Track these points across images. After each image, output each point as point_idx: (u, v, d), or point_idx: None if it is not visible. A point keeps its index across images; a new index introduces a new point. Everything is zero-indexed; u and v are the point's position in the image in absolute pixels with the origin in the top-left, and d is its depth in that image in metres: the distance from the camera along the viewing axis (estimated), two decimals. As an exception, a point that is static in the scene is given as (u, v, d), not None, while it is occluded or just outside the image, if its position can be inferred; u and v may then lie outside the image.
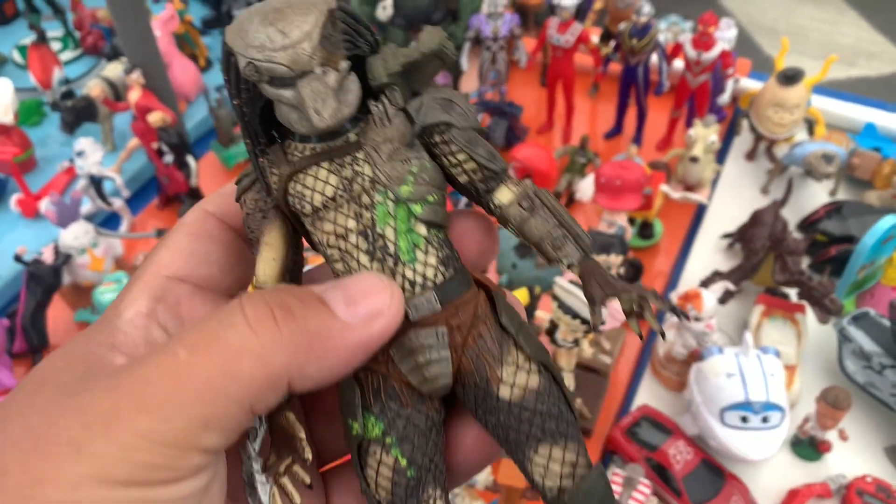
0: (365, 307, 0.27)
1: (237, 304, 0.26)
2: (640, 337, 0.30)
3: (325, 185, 0.29)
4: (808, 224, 1.44)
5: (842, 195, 1.52)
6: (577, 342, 1.12)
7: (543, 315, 1.16)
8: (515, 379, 0.30)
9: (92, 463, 0.23)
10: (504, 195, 0.31)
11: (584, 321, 1.07)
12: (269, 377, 0.25)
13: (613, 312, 1.21)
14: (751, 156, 1.62)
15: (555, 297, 1.09)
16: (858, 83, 3.24)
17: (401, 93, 0.30)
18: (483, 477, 1.00)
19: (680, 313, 1.08)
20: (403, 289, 0.30)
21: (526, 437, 0.30)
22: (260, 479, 0.29)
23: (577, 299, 1.06)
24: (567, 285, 1.07)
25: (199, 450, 0.24)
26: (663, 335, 0.30)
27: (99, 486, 0.23)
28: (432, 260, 0.30)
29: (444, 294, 0.30)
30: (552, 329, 1.15)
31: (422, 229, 0.30)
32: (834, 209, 1.42)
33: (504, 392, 0.30)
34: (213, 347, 0.25)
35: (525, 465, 0.30)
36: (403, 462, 0.30)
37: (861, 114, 1.65)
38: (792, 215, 1.43)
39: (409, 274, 0.30)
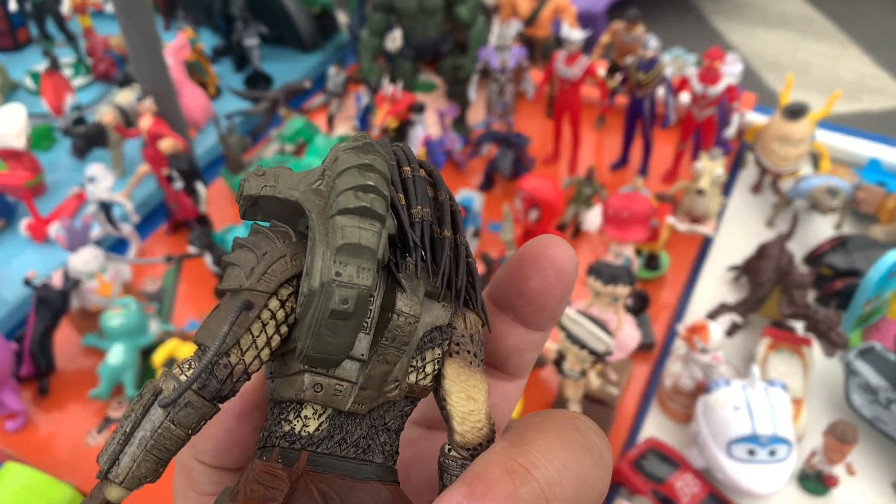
0: None
1: None
2: None
3: None
4: (813, 257, 1.44)
5: (847, 229, 1.53)
6: (584, 373, 1.13)
7: (551, 346, 1.16)
8: None
9: None
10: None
11: (591, 352, 1.07)
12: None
13: (621, 344, 1.21)
14: (756, 189, 1.63)
15: (563, 328, 1.10)
16: (861, 118, 3.26)
17: None
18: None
19: None
20: None
21: None
22: None
23: (584, 330, 1.06)
24: (575, 316, 1.08)
25: None
26: None
27: None
28: None
29: None
30: (559, 360, 1.15)
31: None
32: (839, 243, 1.42)
33: None
34: None
35: None
36: None
37: (865, 149, 1.66)
38: (797, 248, 1.44)
39: None
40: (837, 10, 3.98)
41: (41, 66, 1.95)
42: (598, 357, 1.08)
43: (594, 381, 1.13)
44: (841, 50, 3.71)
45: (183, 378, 0.26)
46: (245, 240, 0.28)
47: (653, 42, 1.49)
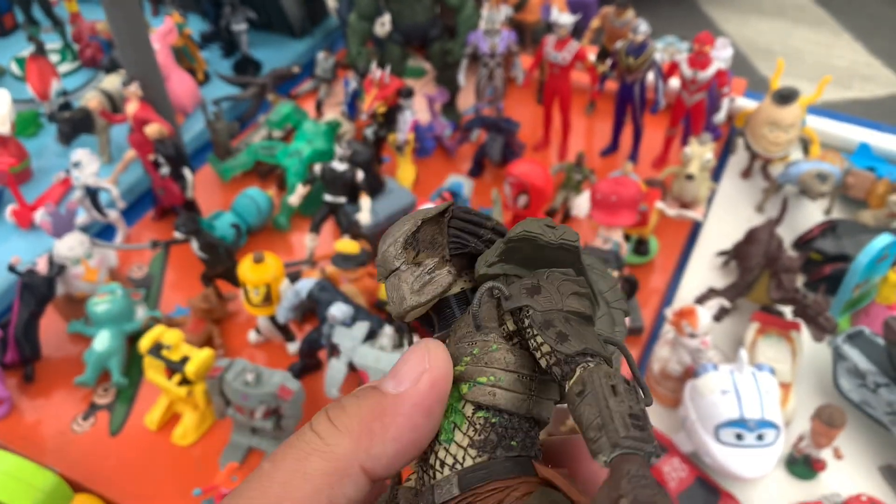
0: (408, 375, 0.30)
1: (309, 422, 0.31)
2: None
3: None
4: (802, 242, 1.44)
5: (836, 214, 1.53)
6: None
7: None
8: None
9: None
10: (572, 380, 0.29)
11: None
12: (337, 468, 0.29)
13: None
14: (746, 174, 1.62)
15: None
16: (853, 105, 3.26)
17: (503, 280, 0.33)
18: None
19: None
20: (434, 468, 0.31)
21: None
22: None
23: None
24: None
25: None
26: None
27: None
28: (465, 441, 0.31)
29: (465, 480, 0.30)
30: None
31: (468, 409, 0.31)
32: (829, 228, 1.42)
33: None
34: (288, 454, 0.29)
35: None
36: None
37: (855, 134, 1.66)
38: (787, 233, 1.44)
39: (441, 453, 0.31)
40: (830, -2, 3.98)
41: (26, 51, 1.94)
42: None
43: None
44: (833, 38, 3.70)
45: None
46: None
47: (643, 27, 1.48)
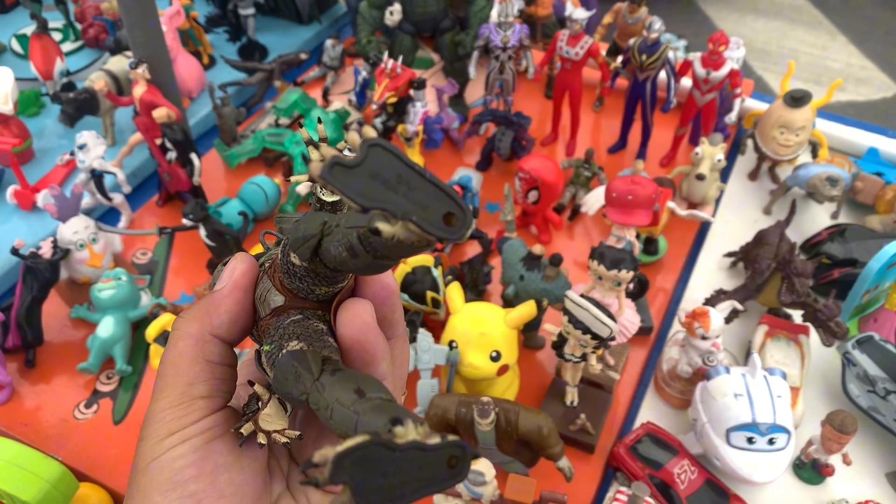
0: (225, 277, 0.43)
1: None
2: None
3: None
4: (809, 246, 1.44)
5: (843, 219, 1.53)
6: (584, 357, 1.12)
7: (552, 329, 1.15)
8: None
9: (146, 437, 0.40)
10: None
11: (594, 336, 1.06)
12: (197, 341, 0.42)
13: (622, 329, 1.20)
14: (753, 175, 1.62)
15: (566, 312, 1.08)
16: (847, 108, 3.28)
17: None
18: (489, 491, 0.99)
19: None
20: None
21: None
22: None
23: (588, 314, 1.05)
24: (578, 299, 1.06)
25: (197, 397, 0.41)
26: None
27: (155, 442, 0.39)
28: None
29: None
30: (560, 343, 1.14)
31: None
32: (837, 232, 1.42)
33: None
34: (164, 353, 0.42)
35: None
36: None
37: (863, 138, 1.66)
38: (793, 236, 1.43)
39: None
40: (826, 0, 3.99)
41: (28, 29, 1.90)
42: (601, 342, 1.07)
43: (596, 365, 1.12)
44: (829, 39, 3.72)
45: None
46: None
47: (657, 24, 1.47)
